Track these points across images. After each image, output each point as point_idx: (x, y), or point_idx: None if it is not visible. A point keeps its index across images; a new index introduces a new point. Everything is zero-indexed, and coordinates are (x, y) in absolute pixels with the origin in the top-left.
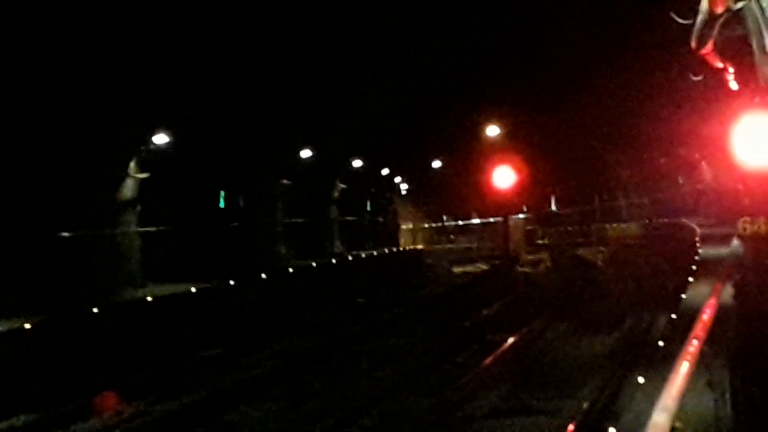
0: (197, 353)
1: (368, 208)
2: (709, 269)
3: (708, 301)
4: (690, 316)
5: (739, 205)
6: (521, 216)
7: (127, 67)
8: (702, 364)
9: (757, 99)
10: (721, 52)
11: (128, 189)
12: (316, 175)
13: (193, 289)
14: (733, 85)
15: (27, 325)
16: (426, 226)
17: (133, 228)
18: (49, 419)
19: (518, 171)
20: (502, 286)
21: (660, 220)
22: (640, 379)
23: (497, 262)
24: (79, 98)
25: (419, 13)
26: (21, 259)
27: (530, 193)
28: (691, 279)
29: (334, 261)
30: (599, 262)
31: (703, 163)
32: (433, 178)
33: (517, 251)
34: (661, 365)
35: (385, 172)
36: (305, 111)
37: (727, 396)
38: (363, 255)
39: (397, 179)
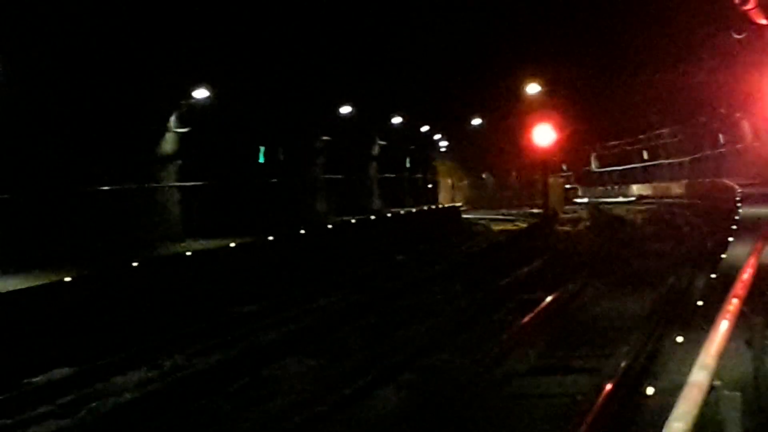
0: (236, 308)
1: (407, 165)
2: (750, 229)
3: (748, 260)
4: (730, 276)
5: None
6: (561, 175)
7: (168, 22)
8: (741, 323)
9: None
10: (765, 7)
11: (168, 143)
12: (355, 131)
13: (232, 245)
14: None
15: (67, 279)
16: (466, 183)
17: (173, 182)
18: (88, 372)
19: (558, 129)
20: (540, 245)
21: (700, 180)
22: (679, 339)
23: (536, 220)
24: (121, 53)
25: None
26: (61, 213)
27: (570, 151)
28: (731, 238)
29: (372, 217)
30: (639, 221)
31: (744, 122)
32: (472, 135)
33: (556, 209)
34: (700, 324)
35: (424, 129)
36: (345, 66)
37: (767, 355)
38: (402, 212)
39: (437, 136)
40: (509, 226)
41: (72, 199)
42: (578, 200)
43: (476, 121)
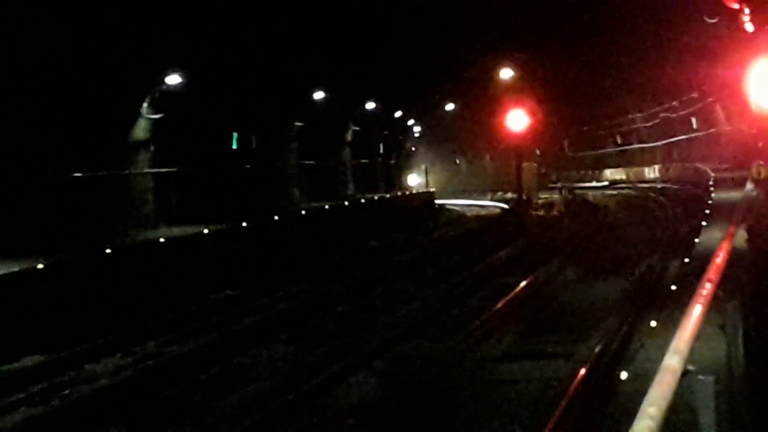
0: (209, 296)
1: (381, 151)
2: (723, 213)
3: (721, 244)
4: (703, 260)
5: (753, 148)
6: (535, 160)
7: (139, 7)
8: (715, 307)
9: None
10: None
11: (141, 129)
12: (329, 117)
13: (206, 231)
14: (749, 27)
15: (40, 266)
16: (439, 167)
17: (146, 169)
18: (60, 360)
19: (531, 114)
20: (514, 230)
21: (673, 164)
22: (653, 323)
23: (510, 205)
24: (92, 38)
25: None
26: (34, 200)
27: (543, 136)
28: (704, 223)
29: (346, 204)
30: (612, 206)
31: (717, 107)
32: (446, 120)
33: (530, 195)
34: (673, 309)
35: (398, 114)
36: (318, 52)
37: (740, 339)
38: (376, 198)
39: (410, 122)
40: (482, 212)
41: (44, 186)
42: (552, 185)
43: (450, 107)
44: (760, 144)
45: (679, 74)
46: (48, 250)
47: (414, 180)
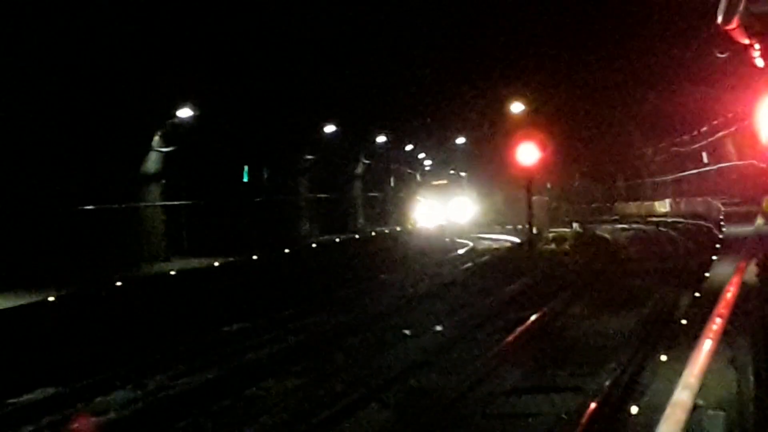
0: (220, 328)
1: (392, 184)
2: (733, 248)
3: (731, 279)
4: (713, 295)
5: (764, 183)
6: (545, 193)
7: (151, 41)
8: (725, 342)
9: None
10: (747, 28)
11: (153, 162)
12: (340, 150)
13: (216, 264)
14: (759, 63)
15: (51, 298)
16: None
17: (158, 202)
18: (71, 392)
19: (542, 148)
20: (524, 263)
21: (683, 198)
22: (663, 357)
23: (520, 238)
24: (105, 72)
25: None
26: (46, 233)
27: (554, 170)
28: (714, 257)
29: (357, 236)
30: (623, 240)
31: (728, 141)
32: (456, 154)
33: (540, 228)
34: (683, 343)
35: (408, 147)
36: (330, 85)
37: (750, 374)
38: (386, 230)
39: (421, 155)
40: (494, 245)
41: (56, 218)
42: (562, 219)
43: (460, 140)
44: None
45: (689, 108)
46: (59, 282)
47: (425, 212)
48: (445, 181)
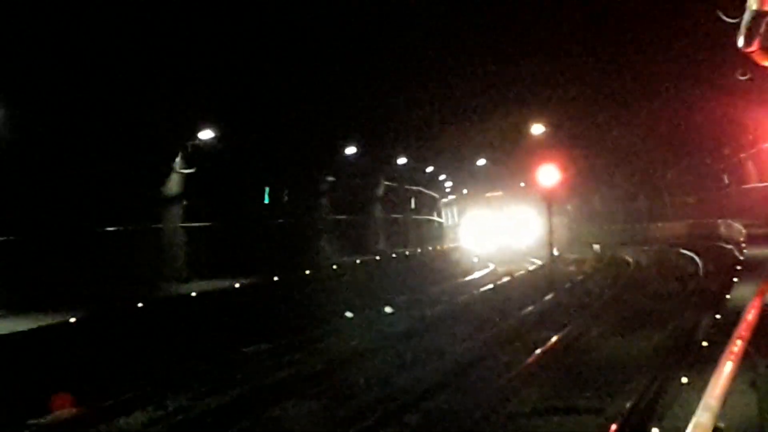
0: (240, 349)
1: (413, 206)
2: (754, 269)
3: (752, 301)
4: (734, 316)
5: None
6: (565, 215)
7: (172, 63)
8: (746, 364)
9: None
10: None
11: (173, 184)
12: (360, 171)
13: (237, 285)
14: None
15: (72, 319)
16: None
17: (178, 223)
18: (92, 413)
19: (563, 169)
20: (545, 285)
21: (705, 220)
22: (684, 379)
23: (541, 260)
24: (126, 94)
25: (465, 11)
26: (66, 254)
27: (575, 191)
28: (735, 279)
29: (378, 258)
30: (643, 262)
31: (749, 163)
32: (479, 175)
33: (560, 250)
34: (704, 365)
35: (429, 169)
36: (350, 107)
37: None
38: (407, 252)
39: (442, 177)
40: (513, 267)
41: (77, 239)
42: (583, 240)
43: (481, 162)
44: None
45: (710, 129)
46: (81, 303)
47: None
48: (499, 193)
